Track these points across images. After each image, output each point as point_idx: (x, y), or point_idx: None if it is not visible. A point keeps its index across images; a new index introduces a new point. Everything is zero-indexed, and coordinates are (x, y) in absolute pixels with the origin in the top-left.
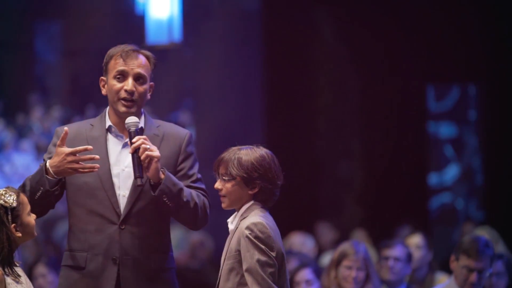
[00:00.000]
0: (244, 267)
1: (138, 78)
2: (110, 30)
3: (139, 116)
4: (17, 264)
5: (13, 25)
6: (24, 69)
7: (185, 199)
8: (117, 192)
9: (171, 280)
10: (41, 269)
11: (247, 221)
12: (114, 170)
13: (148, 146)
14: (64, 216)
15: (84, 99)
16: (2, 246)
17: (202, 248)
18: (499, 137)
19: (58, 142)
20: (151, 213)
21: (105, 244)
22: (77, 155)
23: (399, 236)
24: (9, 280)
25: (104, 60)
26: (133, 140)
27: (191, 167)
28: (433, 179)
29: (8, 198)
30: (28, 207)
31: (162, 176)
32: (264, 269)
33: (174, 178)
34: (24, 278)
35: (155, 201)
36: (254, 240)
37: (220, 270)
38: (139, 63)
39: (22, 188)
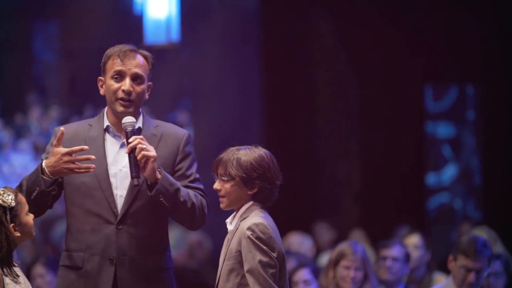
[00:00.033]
0: (246, 268)
1: (136, 78)
2: (108, 30)
3: (137, 116)
4: (16, 264)
5: (11, 25)
6: (22, 69)
7: (182, 199)
8: (115, 192)
9: (169, 280)
10: (39, 269)
11: (248, 221)
12: (112, 170)
13: (144, 146)
14: (62, 216)
15: (82, 99)
16: (1, 246)
17: (200, 248)
18: (497, 137)
19: (54, 142)
20: (149, 213)
21: (102, 244)
22: (73, 155)
23: (397, 236)
24: (7, 280)
25: (102, 60)
26: (130, 140)
27: (189, 167)
28: (431, 179)
29: (7, 197)
30: (26, 207)
31: (159, 176)
32: (265, 270)
33: (171, 178)
34: (22, 278)
35: (152, 201)
36: (256, 241)
37: (219, 271)
38: (137, 63)
39: (19, 188)
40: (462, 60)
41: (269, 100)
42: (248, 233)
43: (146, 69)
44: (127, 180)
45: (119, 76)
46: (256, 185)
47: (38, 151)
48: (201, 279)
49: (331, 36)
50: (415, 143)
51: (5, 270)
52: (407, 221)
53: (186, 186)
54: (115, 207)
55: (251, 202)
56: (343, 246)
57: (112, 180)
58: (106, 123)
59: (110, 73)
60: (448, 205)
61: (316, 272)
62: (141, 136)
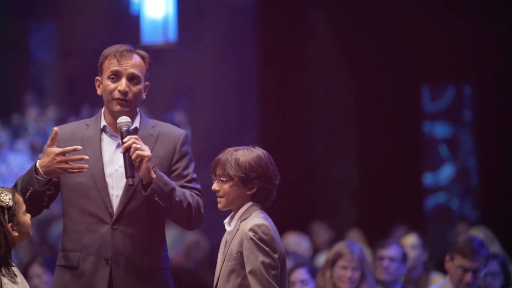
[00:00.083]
0: (248, 269)
1: (132, 78)
2: (105, 30)
3: (134, 116)
4: (14, 264)
5: (8, 24)
6: (19, 69)
7: (177, 199)
8: (110, 192)
9: (166, 280)
10: (36, 269)
11: (249, 222)
12: (108, 170)
13: (139, 146)
14: (59, 216)
15: (80, 99)
16: None
17: (198, 248)
18: (494, 137)
19: (48, 142)
20: (144, 213)
21: (98, 244)
22: (67, 155)
23: (394, 236)
24: (5, 280)
25: (99, 60)
26: (124, 139)
27: (186, 167)
28: (428, 179)
29: (4, 197)
30: (24, 207)
31: (154, 175)
32: (268, 271)
33: (166, 177)
34: (20, 278)
35: (148, 201)
36: (258, 242)
37: (219, 271)
38: (133, 63)
39: (14, 188)
40: (459, 60)
41: (266, 100)
42: (251, 234)
43: (143, 69)
44: (123, 180)
45: (116, 76)
46: (255, 185)
47: (35, 151)
48: (199, 279)
49: (328, 36)
50: (412, 143)
51: (3, 270)
52: (404, 221)
53: (183, 186)
54: (111, 207)
55: (250, 203)
56: (340, 246)
57: (108, 180)
58: (103, 123)
59: (106, 73)
60: (445, 205)
61: (313, 272)
62: (135, 136)
